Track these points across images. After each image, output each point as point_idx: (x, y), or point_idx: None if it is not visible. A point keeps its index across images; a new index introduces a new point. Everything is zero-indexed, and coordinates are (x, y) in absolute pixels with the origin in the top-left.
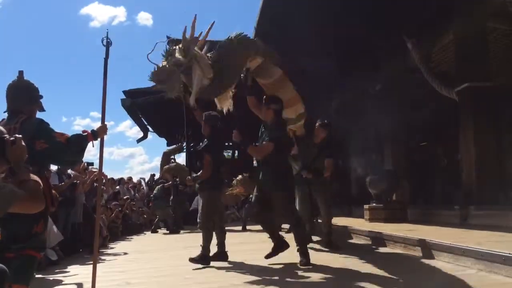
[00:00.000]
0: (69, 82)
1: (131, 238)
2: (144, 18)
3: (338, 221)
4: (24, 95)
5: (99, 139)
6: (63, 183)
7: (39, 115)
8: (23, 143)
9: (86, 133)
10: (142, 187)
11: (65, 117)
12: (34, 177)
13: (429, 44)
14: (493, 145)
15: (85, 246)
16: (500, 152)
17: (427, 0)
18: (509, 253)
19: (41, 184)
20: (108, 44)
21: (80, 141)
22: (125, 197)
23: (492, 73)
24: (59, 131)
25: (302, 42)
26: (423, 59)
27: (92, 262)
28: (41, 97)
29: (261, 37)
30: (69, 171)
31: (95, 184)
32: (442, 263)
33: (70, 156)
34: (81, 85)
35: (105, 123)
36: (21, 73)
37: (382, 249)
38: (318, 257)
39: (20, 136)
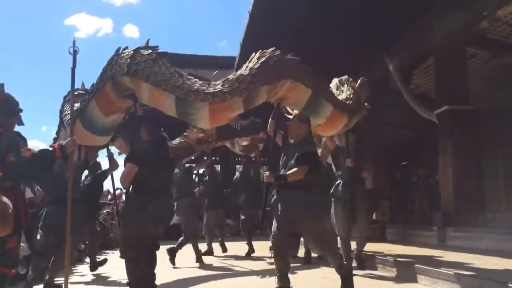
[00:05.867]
0: (51, 92)
1: (111, 253)
2: (131, 30)
3: None
4: (3, 108)
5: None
6: (36, 195)
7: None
8: None
9: (53, 148)
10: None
11: (46, 126)
12: (4, 199)
13: (410, 67)
14: (471, 167)
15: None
16: (478, 174)
17: (409, 23)
18: (486, 277)
19: (10, 206)
20: (75, 53)
21: (46, 157)
22: (105, 211)
23: (471, 96)
24: (41, 143)
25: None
26: (404, 81)
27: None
28: (21, 110)
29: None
30: None
31: None
32: (419, 285)
33: (35, 172)
34: (64, 94)
35: (74, 137)
36: (1, 86)
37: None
38: (297, 277)
39: None
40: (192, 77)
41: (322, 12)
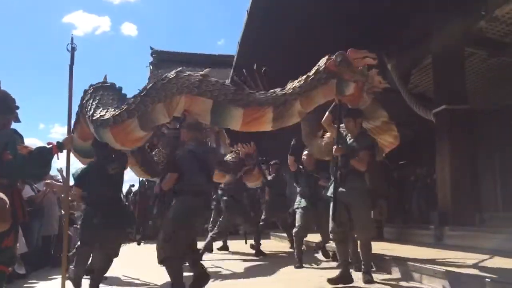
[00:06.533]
0: (48, 89)
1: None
2: (129, 28)
3: (314, 238)
4: (0, 105)
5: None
6: (37, 194)
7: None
8: None
9: (50, 146)
10: None
11: (43, 124)
12: (0, 194)
13: (408, 66)
14: (469, 167)
15: (58, 259)
16: (475, 174)
17: (408, 22)
18: (483, 277)
19: (7, 201)
20: (73, 50)
21: (44, 154)
22: None
23: (469, 96)
24: (38, 140)
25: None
26: (402, 80)
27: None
28: (18, 108)
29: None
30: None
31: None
32: (416, 284)
33: (33, 170)
34: (61, 92)
35: (71, 134)
36: None
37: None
38: (296, 275)
39: None
40: (107, 106)
41: (322, 12)
